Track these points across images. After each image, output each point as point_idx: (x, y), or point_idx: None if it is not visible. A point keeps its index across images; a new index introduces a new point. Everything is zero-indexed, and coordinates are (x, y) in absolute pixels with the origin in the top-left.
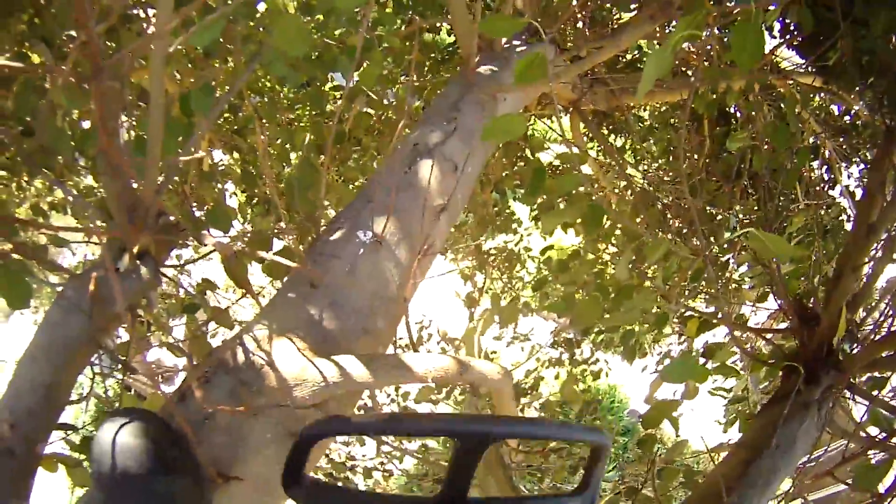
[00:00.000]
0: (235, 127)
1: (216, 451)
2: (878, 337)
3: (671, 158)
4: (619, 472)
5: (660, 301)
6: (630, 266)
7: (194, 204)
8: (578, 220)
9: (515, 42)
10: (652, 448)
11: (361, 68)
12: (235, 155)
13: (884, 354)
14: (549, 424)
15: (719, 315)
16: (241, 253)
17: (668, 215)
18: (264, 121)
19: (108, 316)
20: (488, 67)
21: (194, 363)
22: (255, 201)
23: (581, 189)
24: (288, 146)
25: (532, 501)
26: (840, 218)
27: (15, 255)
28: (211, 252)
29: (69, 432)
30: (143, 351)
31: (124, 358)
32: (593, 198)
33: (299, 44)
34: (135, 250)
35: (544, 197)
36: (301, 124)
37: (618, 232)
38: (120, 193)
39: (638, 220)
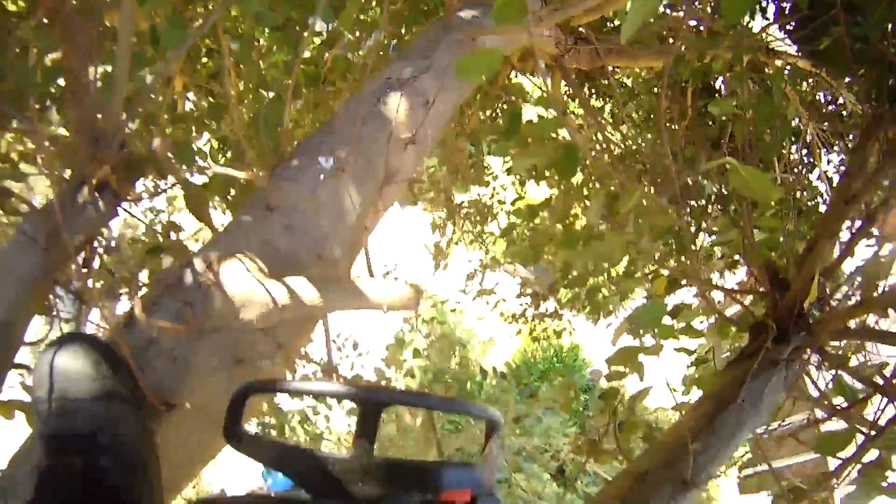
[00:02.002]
0: (212, 73)
1: (159, 378)
2: (847, 305)
3: (652, 125)
4: (579, 430)
5: (630, 252)
6: (601, 214)
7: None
8: (551, 165)
9: None
10: (614, 400)
11: (341, 12)
12: (211, 100)
13: (852, 324)
14: (440, 400)
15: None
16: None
17: (645, 178)
18: (240, 66)
19: (65, 250)
20: (470, 12)
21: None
22: (225, 147)
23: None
24: (262, 91)
25: (431, 466)
26: (815, 201)
27: None
28: (173, 185)
29: (24, 373)
30: (103, 296)
31: (80, 297)
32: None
33: None
34: (94, 182)
35: (516, 150)
36: (279, 65)
37: (590, 186)
38: (82, 123)
39: (613, 177)
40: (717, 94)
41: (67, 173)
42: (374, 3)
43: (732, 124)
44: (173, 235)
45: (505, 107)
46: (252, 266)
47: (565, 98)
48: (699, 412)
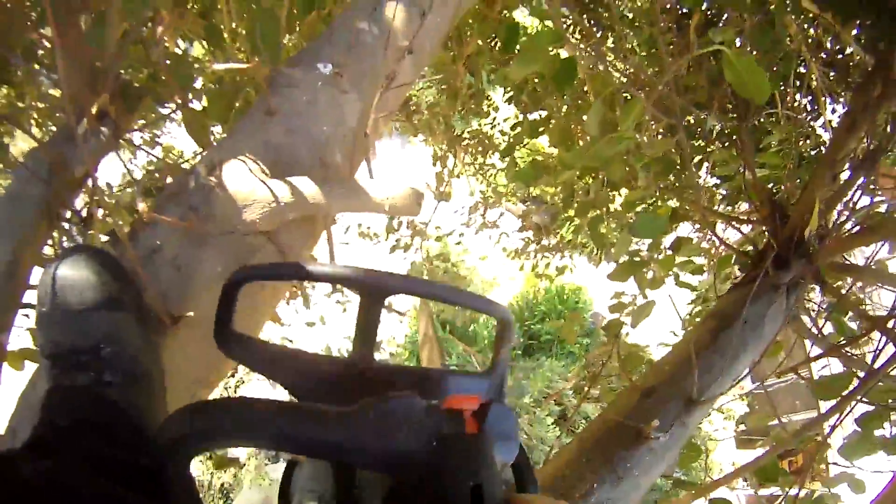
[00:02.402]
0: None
1: (164, 288)
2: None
3: (653, 58)
4: (583, 370)
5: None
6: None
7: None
8: (548, 75)
9: None
10: (617, 330)
11: None
12: (203, 43)
13: (851, 257)
14: (448, 289)
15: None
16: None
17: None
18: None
19: (69, 182)
20: None
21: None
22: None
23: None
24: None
25: (436, 371)
26: (818, 150)
27: None
28: (174, 110)
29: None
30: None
31: (87, 227)
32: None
33: None
34: (93, 112)
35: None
36: None
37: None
38: (77, 54)
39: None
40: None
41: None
42: None
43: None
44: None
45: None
46: (254, 167)
47: (564, 26)
48: (703, 329)
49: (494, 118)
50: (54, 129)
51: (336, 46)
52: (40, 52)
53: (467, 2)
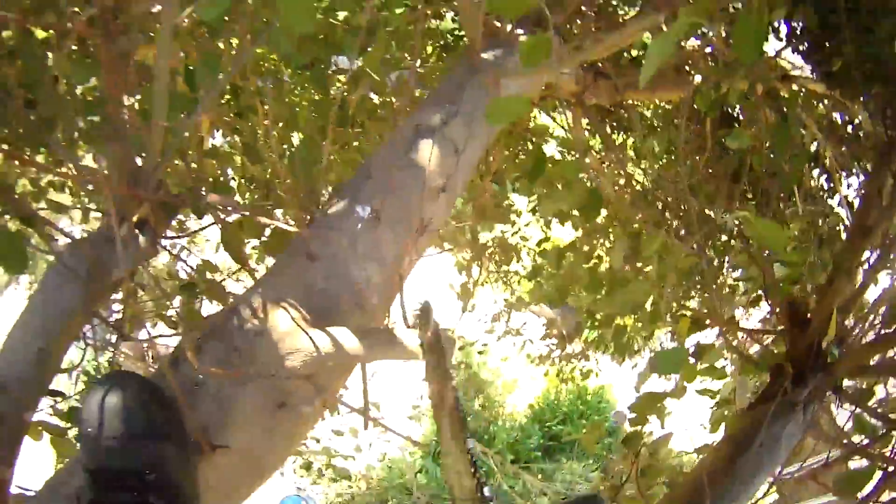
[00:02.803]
0: (237, 111)
1: (204, 419)
2: (865, 342)
3: (672, 157)
4: (602, 473)
5: (654, 294)
6: (625, 257)
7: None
8: (576, 209)
9: (519, 31)
10: (637, 445)
11: (366, 52)
12: (237, 138)
13: (871, 361)
14: None
15: (711, 315)
16: (240, 223)
17: (667, 214)
18: (266, 106)
19: (106, 284)
20: (492, 53)
21: (188, 330)
22: (253, 186)
23: (582, 177)
24: (290, 129)
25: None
26: (837, 228)
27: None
28: (210, 225)
29: (58, 399)
30: (138, 326)
31: (119, 330)
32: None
33: (306, 20)
34: (134, 219)
35: (543, 190)
36: (304, 104)
37: (613, 226)
38: (122, 161)
39: (636, 217)
40: (735, 124)
41: (101, 206)
42: (395, 46)
43: (751, 155)
44: (208, 275)
45: (528, 145)
46: (296, 315)
47: (586, 133)
48: (718, 455)
49: (517, 225)
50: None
51: (373, 186)
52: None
53: (495, 129)
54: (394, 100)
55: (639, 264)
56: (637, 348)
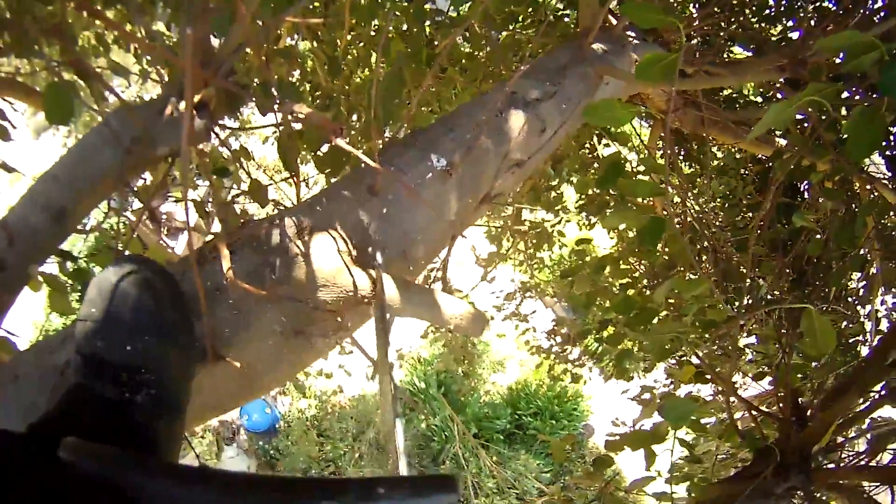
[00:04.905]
0: (324, 18)
1: (218, 325)
2: (851, 464)
3: (727, 205)
4: (560, 481)
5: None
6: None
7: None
8: (635, 229)
9: (630, 33)
10: (605, 469)
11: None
12: (315, 44)
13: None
14: None
15: (716, 370)
16: (301, 131)
17: (704, 258)
18: (354, 22)
19: (147, 157)
20: (602, 46)
21: (223, 228)
22: (317, 94)
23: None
24: (372, 51)
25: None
26: (857, 338)
27: (68, 74)
28: (271, 126)
29: (66, 261)
30: (161, 198)
31: (144, 201)
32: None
33: None
34: (195, 100)
35: (592, 190)
36: (394, 33)
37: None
38: (199, 39)
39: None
40: (798, 195)
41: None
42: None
43: (807, 238)
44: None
45: (597, 143)
46: (343, 248)
47: (657, 153)
48: None
49: (561, 219)
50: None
51: (454, 141)
52: None
53: (579, 123)
54: (482, 56)
55: (671, 300)
56: (632, 375)
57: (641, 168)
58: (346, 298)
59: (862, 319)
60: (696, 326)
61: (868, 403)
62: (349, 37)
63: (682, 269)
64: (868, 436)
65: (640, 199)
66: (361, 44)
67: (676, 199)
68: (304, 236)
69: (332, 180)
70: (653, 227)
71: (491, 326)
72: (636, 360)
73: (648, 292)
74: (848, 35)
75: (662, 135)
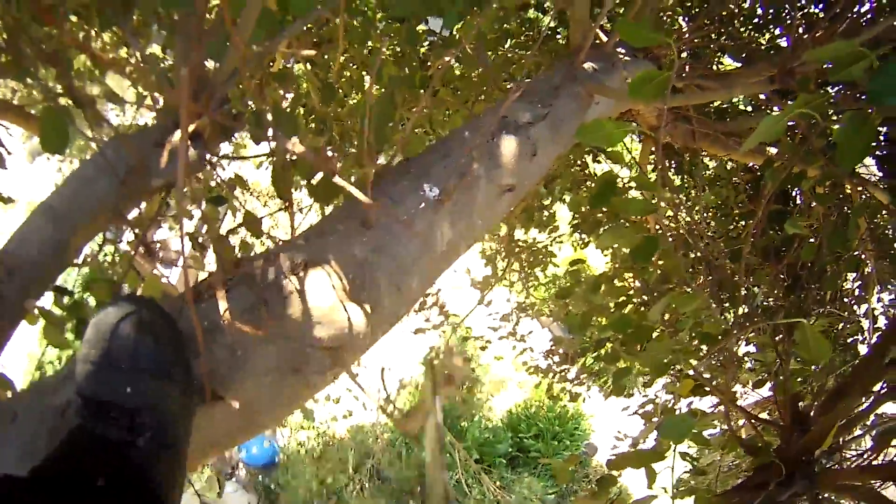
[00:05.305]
0: (317, 41)
1: (215, 366)
2: (855, 465)
3: (720, 215)
4: (565, 502)
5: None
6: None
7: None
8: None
9: (621, 49)
10: (610, 488)
11: (465, 21)
12: (309, 67)
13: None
14: None
15: (715, 383)
16: (294, 160)
17: (699, 269)
18: (348, 44)
19: (142, 187)
20: (593, 65)
21: (218, 266)
22: (311, 117)
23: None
24: (365, 74)
25: None
26: (855, 337)
27: (63, 100)
28: (264, 155)
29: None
30: (154, 229)
31: (138, 232)
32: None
33: None
34: (190, 129)
35: (584, 208)
36: (388, 55)
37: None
38: (193, 67)
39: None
40: (790, 201)
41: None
42: (498, 27)
43: (800, 244)
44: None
45: (588, 161)
46: (338, 283)
47: (649, 167)
48: None
49: (553, 239)
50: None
51: (447, 171)
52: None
53: (570, 144)
54: (474, 76)
55: (666, 316)
56: (632, 391)
57: (634, 183)
58: (341, 335)
59: (859, 318)
60: (692, 339)
61: (869, 402)
62: (343, 58)
63: (676, 284)
64: (873, 433)
65: (633, 217)
66: (355, 66)
67: (669, 213)
68: (299, 272)
69: (328, 210)
70: (646, 246)
71: (488, 345)
72: (634, 377)
73: (644, 308)
74: (835, 47)
75: (654, 150)
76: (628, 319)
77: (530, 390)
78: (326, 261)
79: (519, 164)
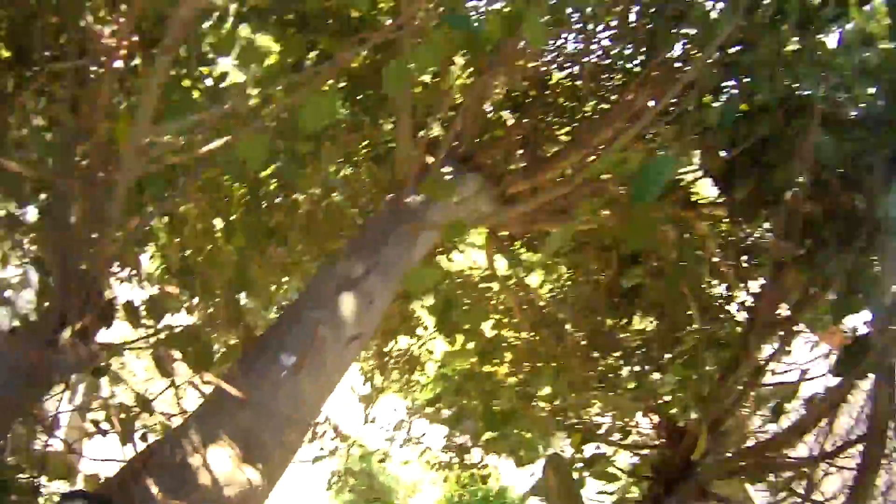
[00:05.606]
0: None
1: None
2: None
3: (578, 279)
4: None
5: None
6: (517, 391)
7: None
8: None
9: (447, 169)
10: None
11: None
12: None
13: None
14: None
15: (602, 429)
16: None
17: (569, 329)
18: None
19: (45, 384)
20: (417, 199)
21: (132, 454)
22: (169, 271)
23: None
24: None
25: None
26: (736, 329)
27: None
28: (139, 340)
29: None
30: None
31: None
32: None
33: (257, 160)
34: (77, 326)
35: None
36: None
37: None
38: (64, 259)
39: (535, 336)
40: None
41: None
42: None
43: (650, 278)
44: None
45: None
46: (232, 452)
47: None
48: None
49: (423, 340)
50: None
51: (298, 338)
52: None
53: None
54: (320, 214)
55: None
56: (538, 454)
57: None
58: (245, 491)
59: (735, 316)
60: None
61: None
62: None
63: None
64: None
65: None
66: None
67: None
68: (201, 450)
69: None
70: (491, 347)
71: (388, 457)
72: (531, 442)
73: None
74: (609, 159)
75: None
76: (492, 414)
77: (445, 486)
78: (218, 436)
79: (360, 315)
